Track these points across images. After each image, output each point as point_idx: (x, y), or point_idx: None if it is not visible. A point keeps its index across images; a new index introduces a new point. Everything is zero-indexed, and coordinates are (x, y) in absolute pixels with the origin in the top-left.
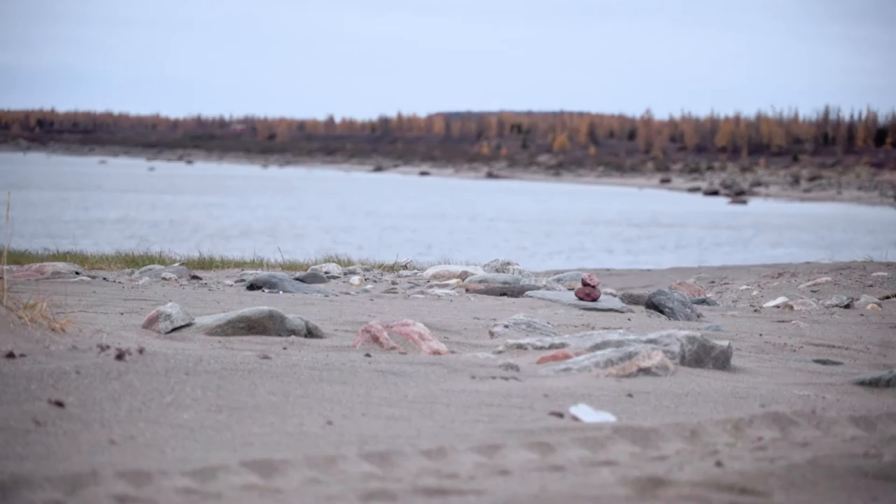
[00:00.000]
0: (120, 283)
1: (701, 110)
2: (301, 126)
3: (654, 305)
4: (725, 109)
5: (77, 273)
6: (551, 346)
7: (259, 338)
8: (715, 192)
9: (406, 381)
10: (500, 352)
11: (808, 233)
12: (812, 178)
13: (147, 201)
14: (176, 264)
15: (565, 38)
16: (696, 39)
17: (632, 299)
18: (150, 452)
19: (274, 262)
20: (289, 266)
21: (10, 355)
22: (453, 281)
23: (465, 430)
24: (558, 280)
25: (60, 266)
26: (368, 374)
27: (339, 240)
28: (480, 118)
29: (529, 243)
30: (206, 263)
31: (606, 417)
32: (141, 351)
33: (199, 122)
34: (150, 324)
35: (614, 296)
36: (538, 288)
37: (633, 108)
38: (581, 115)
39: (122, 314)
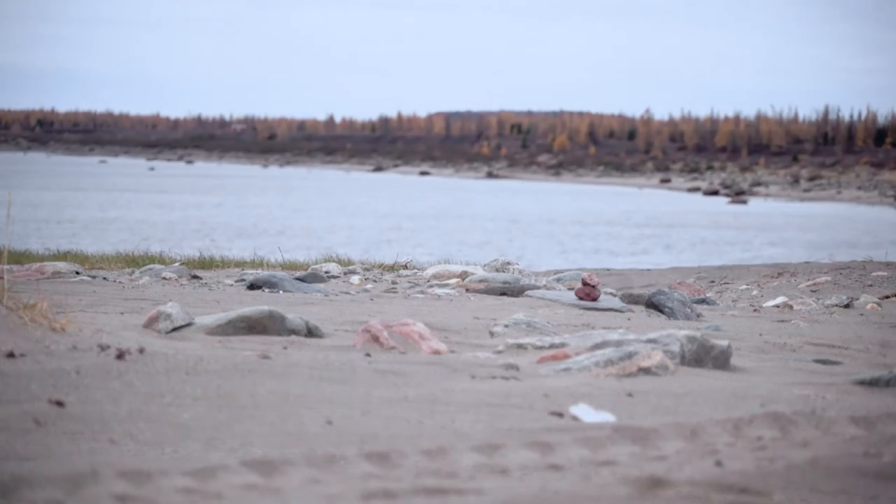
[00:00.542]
0: (120, 282)
1: (701, 110)
2: (301, 126)
3: (653, 305)
4: (725, 109)
5: (77, 273)
6: (551, 346)
7: (259, 337)
8: (715, 192)
9: (406, 381)
10: (500, 352)
11: (807, 232)
12: (812, 178)
13: (148, 201)
14: (176, 264)
15: (566, 37)
16: (696, 39)
17: (632, 299)
18: (150, 452)
19: (274, 261)
20: (289, 266)
21: (11, 355)
22: (453, 281)
23: (466, 429)
24: (558, 280)
25: (61, 266)
26: (368, 374)
27: (339, 239)
28: (480, 118)
29: (530, 243)
30: (207, 263)
31: (606, 417)
32: (141, 351)
33: (199, 122)
34: (151, 323)
35: (614, 295)
36: (538, 288)
37: (633, 108)
38: (581, 115)
39: (122, 314)
